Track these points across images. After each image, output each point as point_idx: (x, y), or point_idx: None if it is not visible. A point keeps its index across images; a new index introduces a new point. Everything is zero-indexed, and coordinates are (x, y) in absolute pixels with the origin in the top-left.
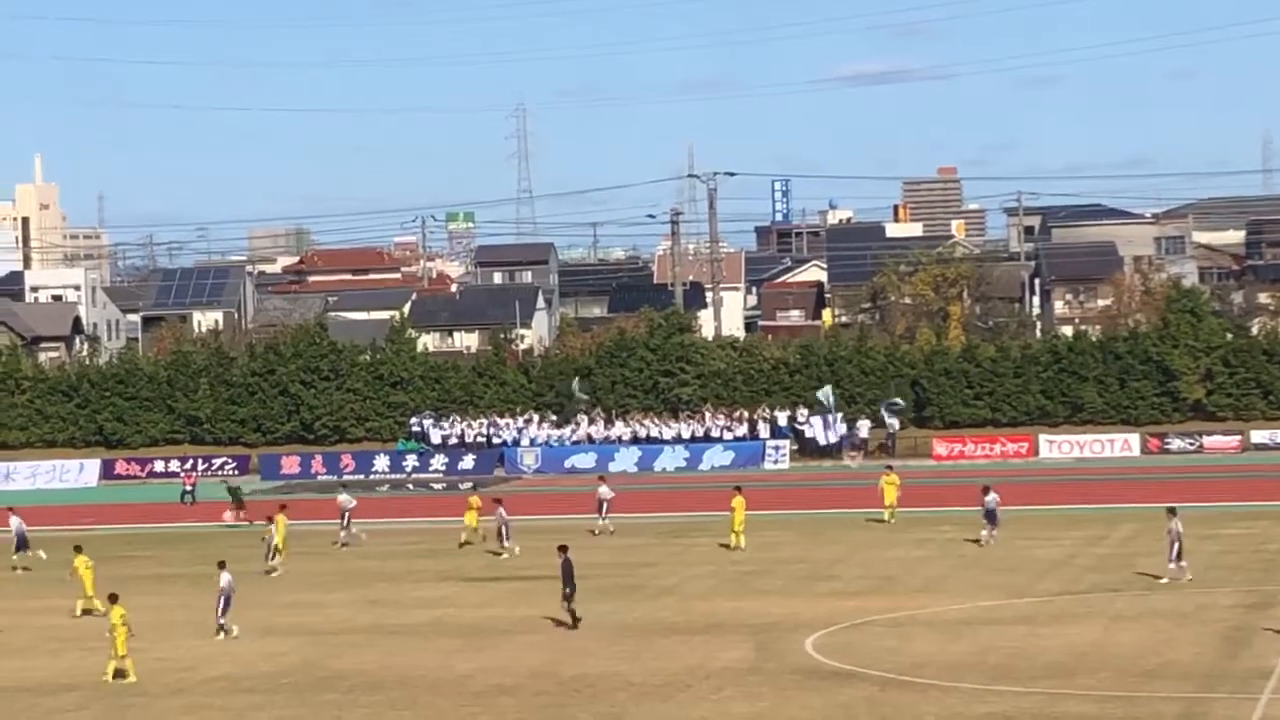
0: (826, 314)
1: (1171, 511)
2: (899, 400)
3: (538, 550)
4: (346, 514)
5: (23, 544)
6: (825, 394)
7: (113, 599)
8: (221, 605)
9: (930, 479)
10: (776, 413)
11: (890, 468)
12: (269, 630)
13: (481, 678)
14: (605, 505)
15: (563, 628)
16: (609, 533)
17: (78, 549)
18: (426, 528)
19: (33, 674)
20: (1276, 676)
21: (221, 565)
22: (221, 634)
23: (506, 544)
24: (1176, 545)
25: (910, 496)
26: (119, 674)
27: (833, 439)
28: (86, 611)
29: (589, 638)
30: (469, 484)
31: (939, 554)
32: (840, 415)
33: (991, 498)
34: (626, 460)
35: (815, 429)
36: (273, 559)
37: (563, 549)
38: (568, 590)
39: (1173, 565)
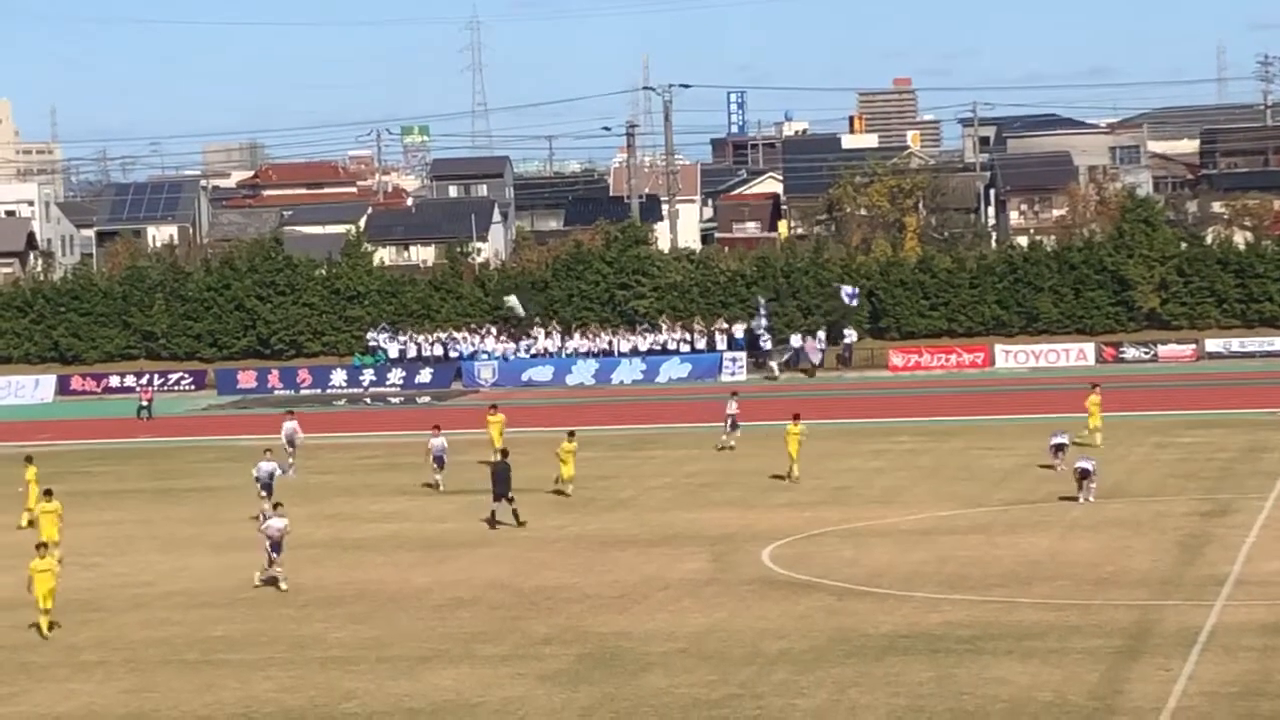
0: (782, 226)
1: (795, 418)
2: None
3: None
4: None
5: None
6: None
7: (39, 546)
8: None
9: (886, 389)
10: (734, 326)
11: (1095, 385)
12: (228, 545)
13: (439, 591)
14: (732, 420)
15: (518, 540)
16: (729, 448)
17: (29, 459)
18: (384, 441)
19: None
20: (1230, 584)
21: (277, 507)
22: (281, 584)
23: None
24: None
25: (867, 407)
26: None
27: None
28: (32, 523)
29: (546, 550)
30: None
31: (895, 465)
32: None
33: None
34: (583, 373)
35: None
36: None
37: (503, 452)
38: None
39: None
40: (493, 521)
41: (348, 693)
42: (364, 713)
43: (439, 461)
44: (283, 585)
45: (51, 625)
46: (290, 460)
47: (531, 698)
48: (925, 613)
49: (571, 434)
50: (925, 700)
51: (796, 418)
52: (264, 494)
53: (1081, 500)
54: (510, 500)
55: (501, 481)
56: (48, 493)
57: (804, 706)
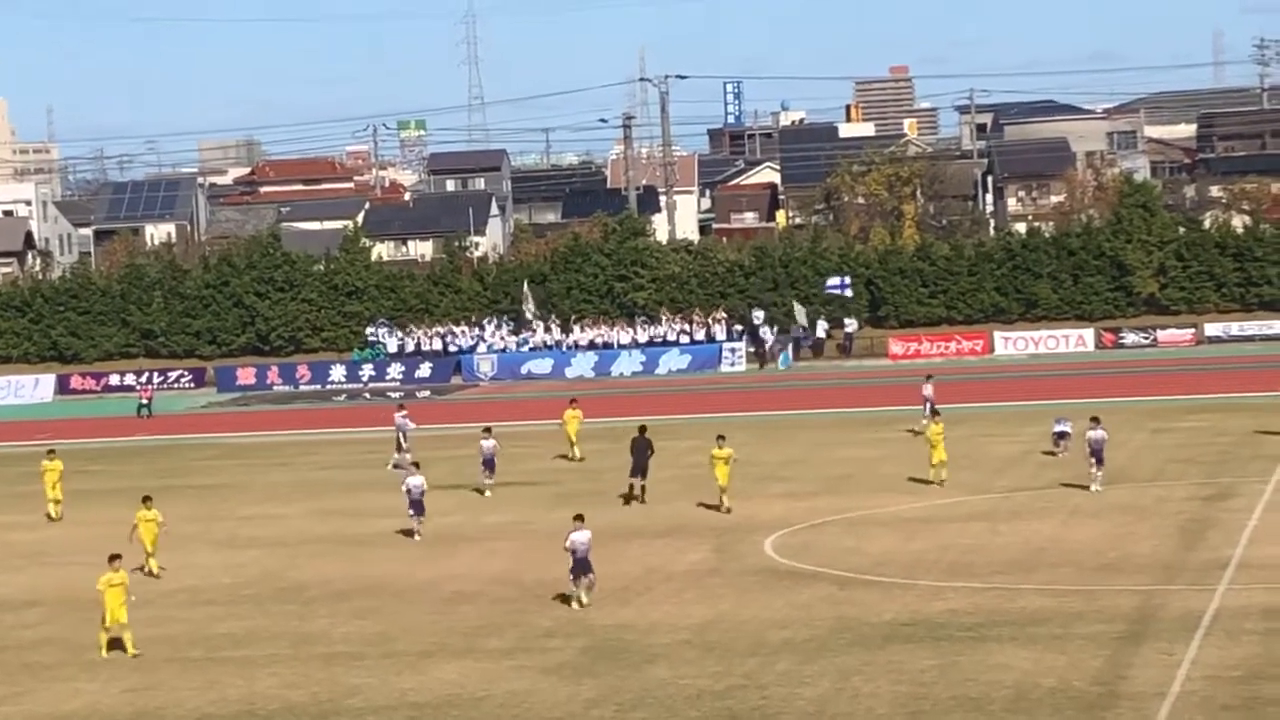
0: (780, 215)
1: (935, 415)
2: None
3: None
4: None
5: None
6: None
7: (112, 558)
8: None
9: (886, 378)
10: (729, 317)
11: None
12: (230, 542)
13: (443, 585)
14: (930, 403)
15: (520, 533)
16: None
17: (51, 453)
18: (385, 437)
19: None
20: (1233, 568)
21: (578, 519)
22: (583, 597)
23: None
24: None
25: (866, 396)
26: (114, 644)
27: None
28: (51, 517)
29: (549, 543)
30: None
31: (896, 453)
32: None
33: (1099, 434)
34: (583, 365)
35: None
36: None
37: (642, 429)
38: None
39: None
40: (629, 498)
41: (352, 688)
42: (368, 708)
43: (489, 465)
44: (585, 599)
45: (125, 645)
46: (407, 454)
47: (536, 691)
48: (928, 600)
49: (721, 439)
50: (928, 688)
51: (936, 414)
52: (413, 513)
53: (1093, 489)
54: (643, 475)
55: (641, 454)
56: (146, 499)
57: (807, 696)
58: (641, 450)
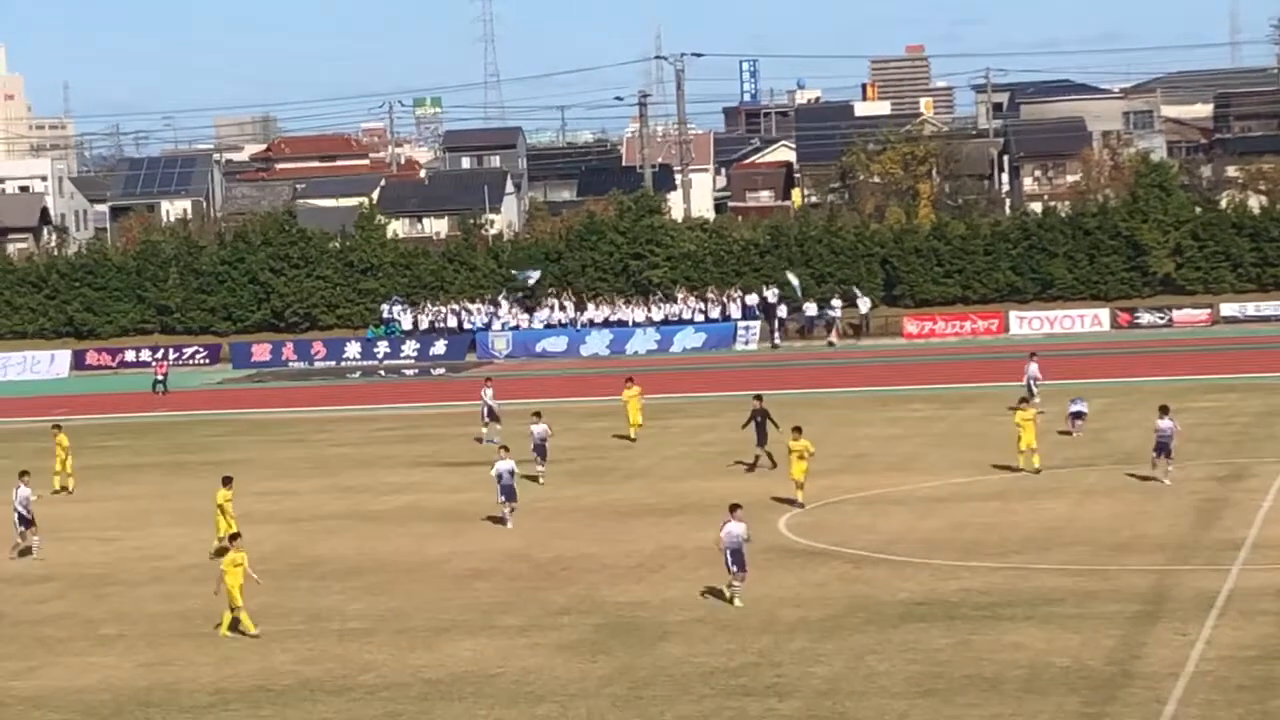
0: (796, 194)
1: (1023, 402)
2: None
3: (508, 435)
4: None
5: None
6: (793, 280)
7: (233, 538)
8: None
9: (901, 357)
10: (746, 295)
11: None
12: (244, 518)
13: (457, 562)
14: (1034, 382)
15: (534, 510)
16: (1039, 411)
17: (56, 428)
18: (399, 413)
19: (8, 565)
20: (1247, 548)
21: (734, 509)
22: (736, 600)
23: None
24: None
25: (882, 375)
26: (234, 625)
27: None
28: (64, 488)
29: (563, 520)
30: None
31: (910, 432)
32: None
33: (1168, 424)
34: (598, 343)
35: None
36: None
37: (758, 398)
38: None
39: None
40: (753, 466)
41: (366, 664)
42: (382, 684)
43: (540, 451)
44: (737, 602)
45: (244, 625)
46: (498, 426)
47: (550, 668)
48: (942, 579)
49: (797, 430)
50: (943, 667)
51: (1024, 401)
52: (503, 499)
53: (1168, 482)
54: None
55: (762, 429)
56: (227, 480)
57: (821, 674)
58: (763, 424)
